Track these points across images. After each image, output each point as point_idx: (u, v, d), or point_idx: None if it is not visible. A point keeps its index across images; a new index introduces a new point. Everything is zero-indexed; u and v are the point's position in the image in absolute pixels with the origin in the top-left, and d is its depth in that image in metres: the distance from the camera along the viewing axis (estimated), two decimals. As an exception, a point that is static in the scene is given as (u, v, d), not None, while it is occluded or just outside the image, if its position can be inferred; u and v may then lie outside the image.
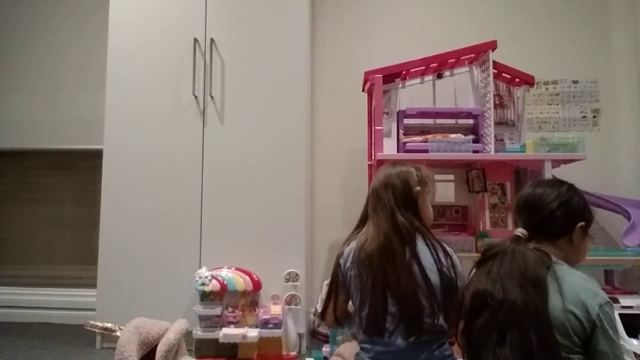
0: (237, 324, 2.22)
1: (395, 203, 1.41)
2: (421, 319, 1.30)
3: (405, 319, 1.31)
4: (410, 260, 1.34)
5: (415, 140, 2.24)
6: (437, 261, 1.36)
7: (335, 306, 1.48)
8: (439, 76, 2.41)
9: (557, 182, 1.32)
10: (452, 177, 2.50)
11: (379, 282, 1.33)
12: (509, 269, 1.18)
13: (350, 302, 1.47)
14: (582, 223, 1.26)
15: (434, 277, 1.34)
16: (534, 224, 1.27)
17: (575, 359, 1.08)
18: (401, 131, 2.29)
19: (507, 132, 2.42)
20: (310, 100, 2.84)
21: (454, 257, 1.40)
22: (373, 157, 2.34)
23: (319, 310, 2.02)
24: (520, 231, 1.28)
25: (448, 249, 1.41)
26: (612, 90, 2.82)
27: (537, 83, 2.72)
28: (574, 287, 1.13)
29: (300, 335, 2.30)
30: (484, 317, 1.17)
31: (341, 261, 1.46)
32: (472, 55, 2.35)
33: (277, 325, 2.18)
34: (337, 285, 1.48)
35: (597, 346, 1.08)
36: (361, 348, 1.38)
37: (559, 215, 1.25)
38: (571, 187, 1.30)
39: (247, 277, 2.28)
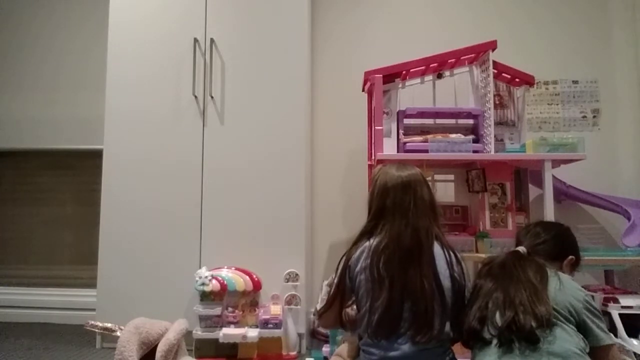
0: (237, 324, 2.22)
1: (417, 205, 1.39)
2: (432, 324, 1.29)
3: (417, 323, 1.29)
4: (429, 264, 1.33)
5: (415, 140, 2.24)
6: (450, 267, 1.35)
7: (341, 311, 1.45)
8: (439, 76, 2.40)
9: (557, 223, 1.70)
10: (452, 177, 2.50)
11: (397, 284, 1.31)
12: (506, 264, 1.40)
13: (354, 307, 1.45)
14: (572, 257, 1.54)
15: (446, 282, 1.34)
16: (533, 245, 1.52)
17: (563, 326, 1.23)
18: (401, 131, 2.29)
19: (507, 132, 2.42)
20: (310, 100, 2.84)
21: (464, 264, 1.40)
22: (373, 157, 2.34)
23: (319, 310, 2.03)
24: (521, 248, 1.49)
25: (459, 255, 1.41)
26: (612, 90, 2.82)
27: (537, 83, 2.72)
28: (566, 280, 1.35)
29: (300, 335, 2.30)
30: (484, 286, 1.35)
31: (350, 264, 1.41)
32: (472, 55, 2.35)
33: (277, 325, 2.18)
34: (344, 290, 1.43)
35: (592, 326, 1.26)
36: (363, 351, 1.36)
37: (553, 243, 1.53)
38: (568, 228, 1.63)
39: (247, 277, 2.28)
